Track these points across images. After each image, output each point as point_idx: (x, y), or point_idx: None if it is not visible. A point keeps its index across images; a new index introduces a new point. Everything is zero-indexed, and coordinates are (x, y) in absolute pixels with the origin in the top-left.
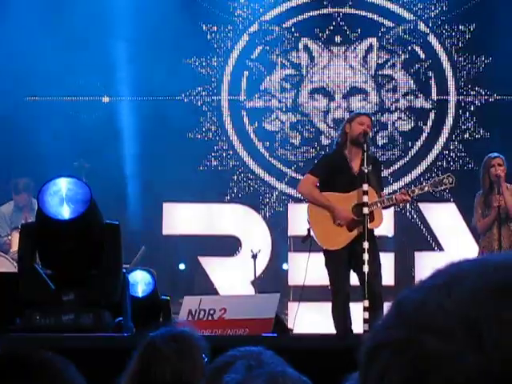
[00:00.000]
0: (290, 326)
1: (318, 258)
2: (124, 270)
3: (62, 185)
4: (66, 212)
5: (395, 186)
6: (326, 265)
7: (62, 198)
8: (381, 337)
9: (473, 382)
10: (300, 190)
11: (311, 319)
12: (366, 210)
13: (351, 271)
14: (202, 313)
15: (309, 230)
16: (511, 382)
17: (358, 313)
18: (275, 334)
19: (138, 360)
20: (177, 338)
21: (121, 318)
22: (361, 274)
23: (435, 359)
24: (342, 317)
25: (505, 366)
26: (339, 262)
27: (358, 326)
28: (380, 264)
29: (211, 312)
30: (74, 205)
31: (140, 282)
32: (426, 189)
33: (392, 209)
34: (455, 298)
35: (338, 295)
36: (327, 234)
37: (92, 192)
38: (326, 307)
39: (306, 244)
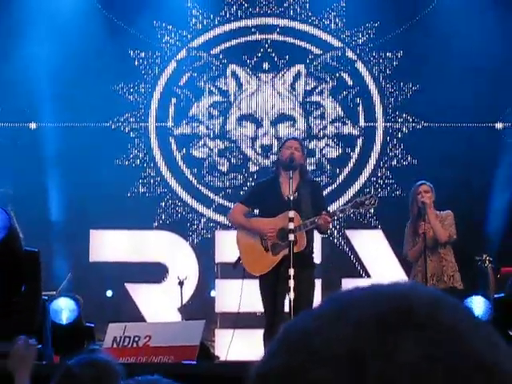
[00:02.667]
0: (217, 353)
1: (250, 285)
2: (46, 298)
3: None
4: None
5: None
6: (259, 290)
7: None
8: (265, 366)
9: None
10: (228, 217)
11: (245, 346)
12: (291, 237)
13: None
14: (127, 340)
15: (239, 257)
16: None
17: None
18: (195, 362)
19: None
20: (93, 363)
21: (40, 346)
22: (287, 300)
23: None
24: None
25: None
26: (268, 287)
27: None
28: (309, 295)
29: (136, 339)
30: None
31: (64, 308)
32: (347, 210)
33: (319, 236)
34: (340, 327)
35: (267, 320)
36: (253, 260)
37: (12, 219)
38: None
39: (234, 271)
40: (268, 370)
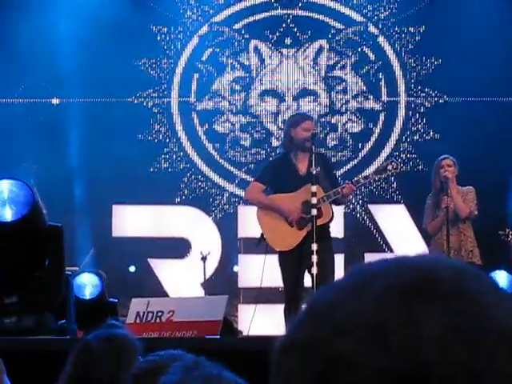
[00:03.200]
0: (240, 328)
1: (272, 260)
2: (69, 273)
3: (4, 187)
4: (8, 214)
5: None
6: (280, 266)
7: (4, 200)
8: (290, 338)
9: (376, 383)
10: (246, 197)
11: (267, 321)
12: (314, 212)
13: (306, 272)
14: (150, 315)
15: (262, 233)
16: None
17: None
18: (218, 337)
19: (74, 361)
20: (112, 338)
21: (64, 321)
22: (311, 276)
23: (341, 360)
24: (291, 319)
25: (408, 368)
26: (290, 262)
27: None
28: (333, 267)
29: (159, 314)
30: (17, 207)
31: (88, 284)
32: (371, 176)
33: (342, 210)
34: (364, 299)
35: (287, 296)
36: (278, 236)
37: (35, 194)
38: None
39: (256, 246)
40: (293, 342)
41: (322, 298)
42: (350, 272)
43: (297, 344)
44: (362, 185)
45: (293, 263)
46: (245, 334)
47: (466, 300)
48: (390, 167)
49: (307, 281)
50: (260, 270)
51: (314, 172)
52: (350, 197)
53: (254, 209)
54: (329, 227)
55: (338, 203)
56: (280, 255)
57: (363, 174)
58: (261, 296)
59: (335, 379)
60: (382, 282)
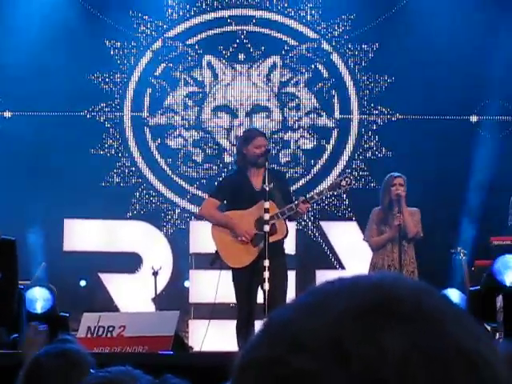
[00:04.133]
0: (191, 343)
1: (226, 276)
2: (22, 287)
3: None
4: None
5: None
6: (233, 282)
7: None
8: (247, 356)
9: None
10: (201, 212)
11: (220, 337)
12: (266, 228)
13: (259, 288)
14: (101, 329)
15: (216, 251)
16: None
17: None
18: (171, 352)
19: (24, 378)
20: (63, 353)
21: (16, 335)
22: (263, 292)
23: (298, 378)
24: (243, 335)
25: None
26: (243, 279)
27: None
28: (285, 283)
29: (110, 329)
30: None
31: (39, 298)
32: (324, 192)
33: (294, 227)
34: (323, 317)
35: (240, 313)
36: (233, 253)
37: None
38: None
39: (208, 261)
40: (250, 361)
41: (279, 317)
42: (308, 291)
43: (253, 362)
44: (316, 201)
45: (246, 279)
46: (196, 349)
47: (425, 318)
48: (343, 183)
49: (260, 297)
50: (211, 286)
51: (268, 188)
52: (305, 212)
53: (206, 224)
54: (283, 243)
55: (290, 219)
56: (233, 271)
57: (317, 190)
58: (214, 312)
59: None
60: (338, 300)
